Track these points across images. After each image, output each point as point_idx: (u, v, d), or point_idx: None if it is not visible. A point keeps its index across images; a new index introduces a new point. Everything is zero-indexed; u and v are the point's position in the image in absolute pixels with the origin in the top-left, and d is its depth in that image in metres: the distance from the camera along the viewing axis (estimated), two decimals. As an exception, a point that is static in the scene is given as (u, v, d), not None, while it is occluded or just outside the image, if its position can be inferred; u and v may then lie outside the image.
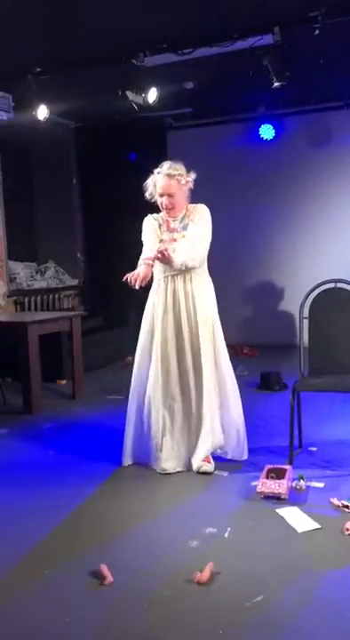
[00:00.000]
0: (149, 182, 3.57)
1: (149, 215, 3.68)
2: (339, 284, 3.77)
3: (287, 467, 3.31)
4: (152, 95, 5.80)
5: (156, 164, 3.54)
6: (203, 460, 3.48)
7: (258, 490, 3.13)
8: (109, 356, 6.87)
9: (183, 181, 3.52)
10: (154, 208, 3.61)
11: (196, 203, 3.61)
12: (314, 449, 3.84)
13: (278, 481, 3.15)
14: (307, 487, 3.24)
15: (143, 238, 3.64)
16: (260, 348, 7.25)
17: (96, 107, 6.85)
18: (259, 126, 7.40)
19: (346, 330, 3.68)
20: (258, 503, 3.08)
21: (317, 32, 4.68)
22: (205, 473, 3.45)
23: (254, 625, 2.15)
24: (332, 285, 3.79)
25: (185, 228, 3.55)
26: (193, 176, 3.57)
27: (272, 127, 7.32)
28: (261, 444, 3.97)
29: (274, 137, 7.36)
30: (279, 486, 3.10)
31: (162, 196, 3.52)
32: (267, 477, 3.21)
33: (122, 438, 3.67)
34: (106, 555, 2.62)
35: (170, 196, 3.51)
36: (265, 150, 7.43)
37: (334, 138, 7.13)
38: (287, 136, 7.36)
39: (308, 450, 3.83)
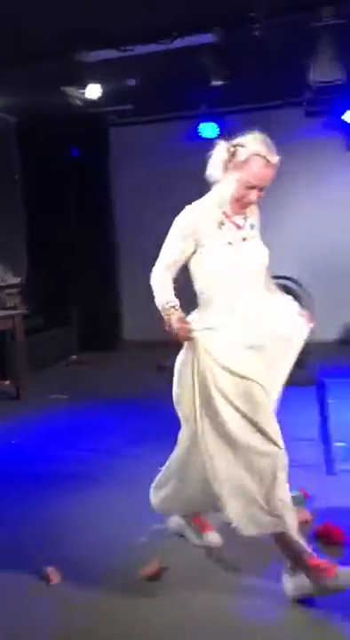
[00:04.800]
0: (218, 157, 2.64)
1: (199, 205, 2.59)
2: (282, 281, 3.84)
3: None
4: (94, 91, 5.74)
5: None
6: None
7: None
8: (53, 355, 6.78)
9: None
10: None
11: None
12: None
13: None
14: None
15: (171, 239, 2.58)
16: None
17: (37, 102, 6.72)
18: (200, 124, 7.43)
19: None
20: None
21: (257, 32, 4.74)
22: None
23: (200, 619, 2.17)
24: (275, 282, 3.86)
25: (252, 226, 2.63)
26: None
27: (215, 125, 7.36)
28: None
29: (217, 135, 7.41)
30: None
31: (253, 187, 2.52)
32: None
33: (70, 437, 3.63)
34: (52, 555, 2.59)
35: (262, 190, 2.56)
36: (207, 148, 7.46)
37: (275, 136, 7.20)
38: (230, 134, 7.41)
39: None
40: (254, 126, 6.93)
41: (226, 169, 2.54)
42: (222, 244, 2.47)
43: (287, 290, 3.78)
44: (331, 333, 5.74)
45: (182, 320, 2.44)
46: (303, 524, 2.75)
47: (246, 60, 5.52)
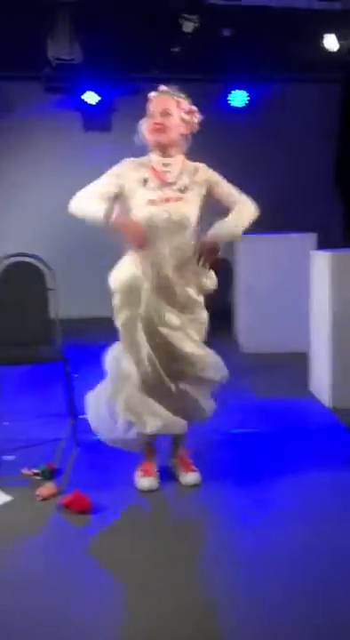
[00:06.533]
0: (141, 123, 2.78)
1: (128, 161, 2.77)
2: (23, 258, 3.80)
3: (-23, 445, 3.24)
4: None
5: None
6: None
7: None
8: None
9: (185, 107, 2.72)
10: None
11: None
12: (6, 423, 3.83)
13: (-32, 460, 3.06)
14: (-1, 462, 3.23)
15: (103, 176, 2.75)
16: None
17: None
18: None
19: (31, 302, 3.74)
20: None
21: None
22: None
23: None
24: (16, 259, 3.80)
25: (183, 189, 2.72)
26: (198, 116, 2.77)
27: None
28: None
29: None
30: (-31, 466, 3.02)
31: (152, 116, 2.70)
32: None
33: None
34: None
35: (163, 114, 2.68)
36: None
37: (15, 109, 7.02)
38: None
39: (1, 425, 3.80)
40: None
41: None
42: (145, 200, 2.66)
43: (30, 267, 3.77)
44: (76, 310, 5.87)
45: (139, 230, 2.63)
46: (50, 497, 2.81)
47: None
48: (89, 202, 2.69)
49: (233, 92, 6.84)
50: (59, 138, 7.10)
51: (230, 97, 6.84)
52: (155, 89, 2.78)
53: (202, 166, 2.83)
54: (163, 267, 2.70)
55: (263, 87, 6.82)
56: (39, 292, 3.73)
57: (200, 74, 6.53)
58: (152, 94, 2.76)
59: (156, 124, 2.68)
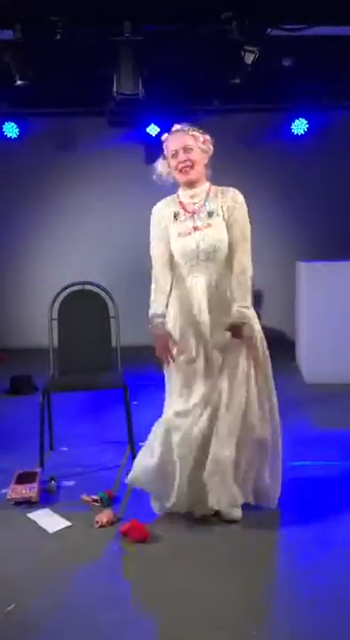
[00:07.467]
0: (157, 163, 2.88)
1: (158, 205, 2.90)
2: (86, 286, 3.90)
3: (37, 470, 3.30)
4: None
5: None
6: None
7: (9, 497, 3.06)
8: None
9: (201, 139, 2.80)
10: None
11: None
12: (65, 448, 3.89)
13: (28, 485, 3.12)
14: (59, 487, 3.27)
15: (151, 241, 2.90)
16: (9, 352, 7.06)
17: None
18: (4, 123, 7.17)
19: (93, 330, 3.81)
20: (8, 510, 3.01)
21: (59, 37, 4.73)
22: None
23: (8, 636, 2.10)
24: (80, 287, 3.90)
25: (211, 214, 2.79)
26: (212, 142, 2.86)
27: (15, 126, 7.13)
28: (13, 449, 3.87)
29: (18, 136, 7.18)
30: (29, 490, 3.07)
31: (175, 155, 2.77)
32: (18, 483, 3.15)
33: None
34: None
35: (186, 150, 2.76)
36: (8, 148, 7.22)
37: (80, 143, 7.26)
38: (32, 137, 7.26)
39: (60, 450, 3.86)
40: (57, 130, 6.90)
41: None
42: (176, 233, 2.79)
43: (92, 295, 3.85)
44: (136, 337, 5.93)
45: (166, 345, 2.83)
46: (109, 524, 2.81)
47: (52, 64, 5.46)
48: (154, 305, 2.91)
49: (296, 120, 6.85)
50: (121, 170, 7.27)
51: (293, 125, 6.85)
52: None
53: (229, 190, 2.85)
54: (197, 301, 2.79)
55: (324, 115, 6.79)
56: (101, 320, 3.80)
57: (260, 104, 6.60)
58: (165, 136, 2.85)
59: (184, 162, 2.77)
